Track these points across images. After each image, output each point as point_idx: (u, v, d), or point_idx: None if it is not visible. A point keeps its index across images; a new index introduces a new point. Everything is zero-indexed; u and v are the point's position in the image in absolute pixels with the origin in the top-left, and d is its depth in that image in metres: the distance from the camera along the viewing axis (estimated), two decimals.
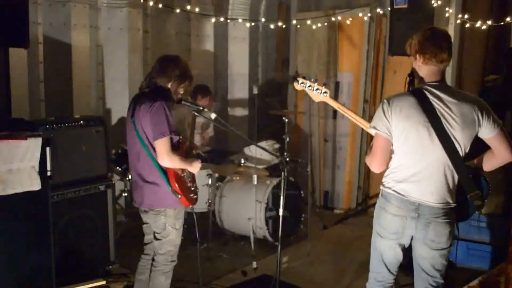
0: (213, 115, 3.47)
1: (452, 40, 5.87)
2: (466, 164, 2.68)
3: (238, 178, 5.18)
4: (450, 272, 4.14)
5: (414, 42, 2.70)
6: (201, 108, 3.50)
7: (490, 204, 4.46)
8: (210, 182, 4.94)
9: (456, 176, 2.64)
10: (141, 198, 3.28)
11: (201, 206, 5.06)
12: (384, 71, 6.21)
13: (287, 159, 4.01)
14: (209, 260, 4.72)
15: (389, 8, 5.79)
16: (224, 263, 4.70)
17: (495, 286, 3.74)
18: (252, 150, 5.30)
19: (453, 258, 4.53)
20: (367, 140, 6.08)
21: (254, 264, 4.52)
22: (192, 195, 3.33)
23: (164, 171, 3.18)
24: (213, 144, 5.93)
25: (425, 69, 2.67)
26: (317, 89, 3.08)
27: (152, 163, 3.17)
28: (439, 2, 5.38)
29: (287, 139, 5.17)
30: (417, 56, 2.67)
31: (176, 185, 3.16)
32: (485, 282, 3.79)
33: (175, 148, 3.23)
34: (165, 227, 3.26)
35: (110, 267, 4.26)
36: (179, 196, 3.18)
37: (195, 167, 3.31)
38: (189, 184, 3.33)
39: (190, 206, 3.33)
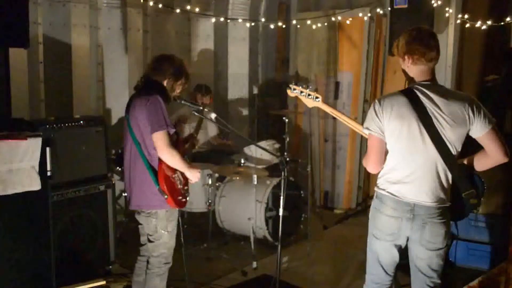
0: (213, 115, 3.47)
1: (452, 40, 5.92)
2: (459, 162, 2.68)
3: (238, 178, 5.18)
4: (450, 272, 4.14)
5: (401, 44, 2.69)
6: (201, 108, 3.50)
7: (490, 204, 4.45)
8: (210, 182, 4.94)
9: (449, 175, 2.64)
10: (132, 198, 3.27)
11: (201, 206, 5.08)
12: (384, 71, 6.23)
13: (287, 159, 4.01)
14: (209, 260, 4.72)
15: (389, 8, 5.79)
16: (224, 263, 4.70)
17: (495, 286, 3.73)
18: (252, 150, 5.30)
19: (453, 258, 4.53)
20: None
21: (254, 264, 4.53)
22: (180, 197, 3.27)
23: (153, 169, 3.16)
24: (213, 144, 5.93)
25: (415, 69, 2.66)
26: (309, 95, 3.12)
27: (141, 161, 3.16)
28: (439, 2, 5.39)
29: (287, 139, 5.17)
30: (406, 57, 2.66)
31: (164, 184, 3.13)
32: (485, 282, 3.78)
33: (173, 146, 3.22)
34: (156, 230, 3.24)
35: (110, 267, 4.26)
36: (165, 196, 3.14)
37: (193, 175, 3.25)
38: (178, 186, 3.27)
39: (177, 208, 3.30)
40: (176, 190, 3.24)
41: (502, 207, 4.47)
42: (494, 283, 3.75)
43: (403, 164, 2.64)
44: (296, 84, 3.19)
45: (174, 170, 3.25)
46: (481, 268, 4.31)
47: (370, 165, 2.72)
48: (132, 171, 3.24)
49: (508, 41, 5.53)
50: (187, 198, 3.38)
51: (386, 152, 2.70)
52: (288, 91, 3.20)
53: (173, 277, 3.64)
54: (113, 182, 4.28)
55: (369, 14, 6.08)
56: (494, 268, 4.10)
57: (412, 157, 2.61)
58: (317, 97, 3.12)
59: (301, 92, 3.15)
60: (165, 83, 3.27)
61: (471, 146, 2.69)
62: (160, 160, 3.16)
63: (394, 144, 2.64)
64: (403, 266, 2.85)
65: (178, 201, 3.24)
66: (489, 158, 2.65)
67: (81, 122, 4.07)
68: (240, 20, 6.48)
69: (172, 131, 3.18)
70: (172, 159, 3.12)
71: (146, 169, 3.16)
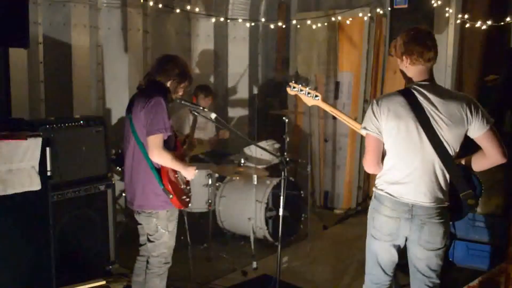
0: (213, 115, 3.47)
1: (452, 40, 5.92)
2: (456, 163, 2.68)
3: (238, 178, 5.18)
4: (449, 272, 4.14)
5: (398, 44, 2.69)
6: (201, 108, 3.50)
7: (490, 204, 4.45)
8: (210, 182, 4.94)
9: (447, 175, 2.63)
10: (133, 198, 3.27)
11: (201, 206, 5.07)
12: (384, 71, 6.22)
13: (287, 159, 4.01)
14: (209, 260, 4.73)
15: (389, 8, 5.80)
16: (224, 263, 4.70)
17: (495, 286, 3.73)
18: (252, 150, 5.30)
19: (452, 258, 4.53)
20: None
21: (254, 264, 4.53)
22: (184, 197, 3.28)
23: (157, 169, 3.16)
24: (213, 144, 5.93)
25: (413, 70, 2.67)
26: (309, 93, 3.13)
27: (145, 161, 3.16)
28: (439, 2, 5.39)
29: (287, 139, 5.17)
30: (404, 57, 2.67)
31: (169, 184, 3.14)
32: (485, 282, 3.79)
33: (171, 148, 3.22)
34: (157, 230, 3.24)
35: (110, 267, 4.26)
36: (171, 195, 3.15)
37: (189, 173, 3.27)
38: (182, 186, 3.29)
39: (181, 208, 3.30)
40: (180, 190, 3.25)
41: (502, 207, 4.47)
42: (494, 283, 3.75)
43: (401, 165, 2.64)
44: (295, 83, 3.19)
45: (176, 170, 3.26)
46: (481, 268, 4.31)
47: (367, 165, 2.72)
48: (134, 171, 3.24)
49: (508, 41, 5.53)
50: (190, 198, 3.38)
51: (384, 154, 2.70)
52: (288, 89, 3.21)
53: (173, 277, 3.65)
54: (113, 182, 4.28)
55: (369, 14, 6.08)
56: (494, 268, 4.10)
57: (410, 158, 2.61)
58: (316, 96, 3.13)
59: (301, 90, 3.16)
60: (168, 84, 3.27)
61: (469, 146, 2.69)
62: None
63: (391, 145, 2.64)
64: (403, 266, 2.85)
65: (183, 200, 3.25)
66: (487, 158, 2.64)
67: (81, 122, 4.07)
68: (240, 20, 6.48)
69: (169, 134, 3.17)
70: (163, 161, 3.13)
71: (149, 169, 3.16)
